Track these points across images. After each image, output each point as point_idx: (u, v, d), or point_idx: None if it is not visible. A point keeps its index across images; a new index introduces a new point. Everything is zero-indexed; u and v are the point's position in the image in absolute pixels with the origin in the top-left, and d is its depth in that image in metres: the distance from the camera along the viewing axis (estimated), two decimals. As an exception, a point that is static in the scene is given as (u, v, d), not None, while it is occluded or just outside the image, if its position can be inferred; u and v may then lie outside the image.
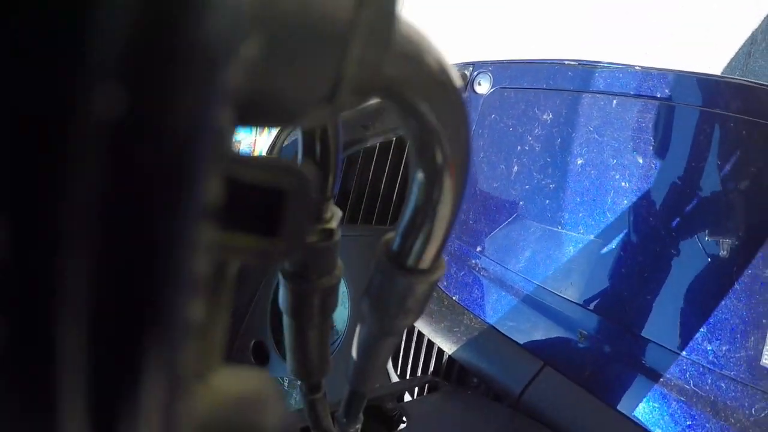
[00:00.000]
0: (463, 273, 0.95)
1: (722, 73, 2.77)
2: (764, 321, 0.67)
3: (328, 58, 0.15)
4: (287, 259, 0.16)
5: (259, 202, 0.16)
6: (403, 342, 0.95)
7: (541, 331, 0.84)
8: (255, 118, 0.16)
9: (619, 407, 0.74)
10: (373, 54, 0.16)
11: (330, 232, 0.33)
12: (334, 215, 0.33)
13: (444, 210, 0.26)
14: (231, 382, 0.17)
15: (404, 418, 0.69)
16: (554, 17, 3.48)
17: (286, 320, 0.37)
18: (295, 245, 0.17)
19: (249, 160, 0.16)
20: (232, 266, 0.20)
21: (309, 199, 0.17)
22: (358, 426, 0.48)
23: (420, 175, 0.25)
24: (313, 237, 0.32)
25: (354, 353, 0.38)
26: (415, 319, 0.32)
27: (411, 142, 0.24)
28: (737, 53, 2.80)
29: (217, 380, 0.16)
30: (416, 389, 0.87)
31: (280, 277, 0.35)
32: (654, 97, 0.79)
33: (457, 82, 0.22)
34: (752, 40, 2.76)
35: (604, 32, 3.29)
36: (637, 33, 3.22)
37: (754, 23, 2.73)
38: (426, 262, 0.28)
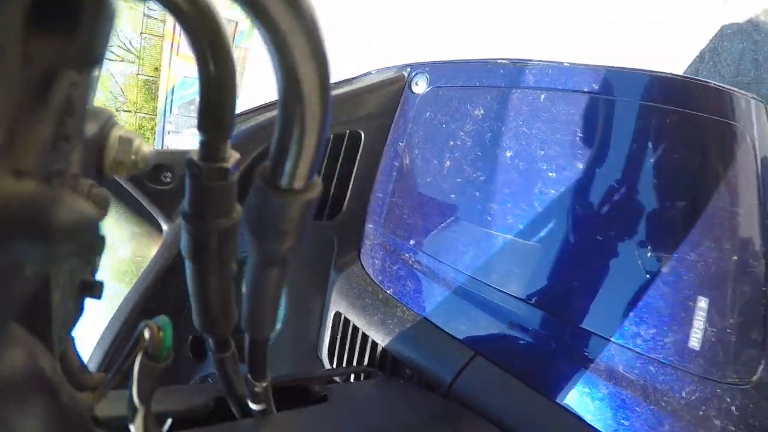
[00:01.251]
0: (397, 266, 0.96)
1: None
2: (690, 304, 0.68)
3: None
4: (91, 60, 0.16)
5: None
6: (339, 335, 0.95)
7: (472, 321, 0.84)
8: None
9: (550, 394, 0.74)
10: None
11: (224, 171, 0.33)
12: (232, 156, 0.34)
13: (310, 123, 0.27)
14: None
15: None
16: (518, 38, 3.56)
17: (187, 265, 0.37)
18: (96, 42, 0.17)
19: None
20: (62, 83, 0.19)
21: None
22: (266, 383, 0.48)
23: (282, 92, 0.27)
24: (207, 176, 0.33)
25: (244, 293, 0.39)
26: (293, 244, 0.33)
27: (269, 54, 0.25)
28: (686, 70, 2.84)
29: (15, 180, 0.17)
30: (351, 378, 0.86)
31: (180, 219, 0.35)
32: (580, 91, 0.81)
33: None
34: (701, 58, 2.80)
35: (566, 50, 3.37)
36: (592, 51, 3.29)
37: (702, 42, 2.78)
38: (299, 181, 0.30)
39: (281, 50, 0.25)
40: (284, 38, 0.24)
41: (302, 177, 0.30)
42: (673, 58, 2.87)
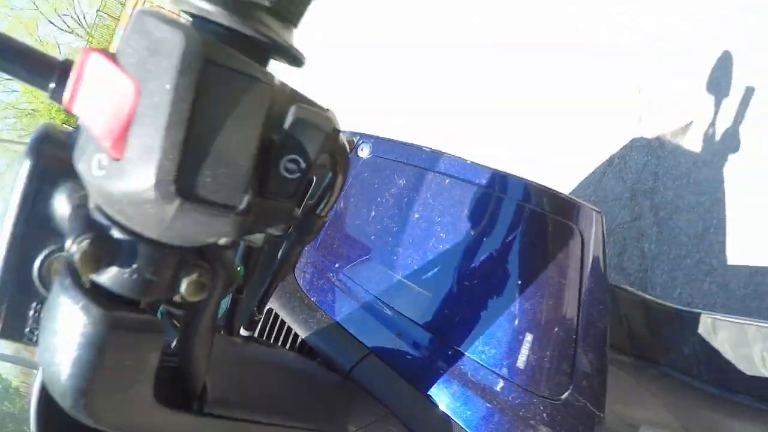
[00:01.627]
0: (322, 281, 1.21)
1: (576, 187, 3.07)
2: (521, 337, 0.88)
3: None
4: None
5: None
6: (267, 327, 1.17)
7: (371, 328, 1.04)
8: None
9: (420, 388, 0.92)
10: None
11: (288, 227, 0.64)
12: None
13: (335, 197, 0.59)
14: None
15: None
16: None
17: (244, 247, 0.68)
18: None
19: None
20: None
21: None
22: (262, 315, 0.80)
23: (332, 185, 0.58)
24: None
25: (281, 254, 0.70)
26: (312, 237, 0.64)
27: (330, 168, 0.57)
28: (594, 171, 3.05)
29: None
30: None
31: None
32: (472, 182, 1.08)
33: (348, 158, 0.55)
34: (609, 162, 3.02)
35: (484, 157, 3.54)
36: (512, 156, 3.53)
37: (614, 147, 3.01)
38: (323, 213, 0.61)
39: (336, 176, 0.56)
40: (338, 174, 0.55)
41: (326, 212, 0.61)
42: (585, 166, 3.11)
